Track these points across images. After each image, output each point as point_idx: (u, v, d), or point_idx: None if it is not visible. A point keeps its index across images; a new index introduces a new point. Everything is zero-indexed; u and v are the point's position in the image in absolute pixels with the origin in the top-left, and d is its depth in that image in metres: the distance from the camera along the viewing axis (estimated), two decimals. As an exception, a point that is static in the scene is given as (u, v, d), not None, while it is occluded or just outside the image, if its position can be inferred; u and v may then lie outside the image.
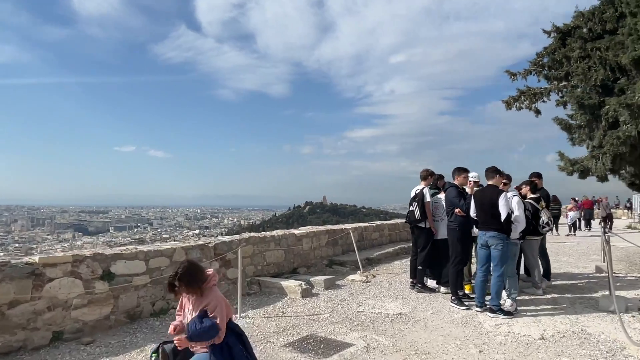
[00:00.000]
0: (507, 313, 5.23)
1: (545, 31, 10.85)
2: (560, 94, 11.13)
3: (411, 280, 6.89)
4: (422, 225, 6.56)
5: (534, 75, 11.17)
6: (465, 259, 6.12)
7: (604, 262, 8.84)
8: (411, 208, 6.59)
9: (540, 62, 10.57)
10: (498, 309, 5.24)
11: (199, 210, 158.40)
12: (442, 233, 6.53)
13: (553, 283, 7.03)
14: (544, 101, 10.98)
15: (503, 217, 5.16)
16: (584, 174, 8.48)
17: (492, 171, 5.47)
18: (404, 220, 12.46)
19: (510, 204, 5.42)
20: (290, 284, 6.36)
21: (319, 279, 6.87)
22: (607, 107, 7.54)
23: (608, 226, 20.35)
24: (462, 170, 6.22)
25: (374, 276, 7.88)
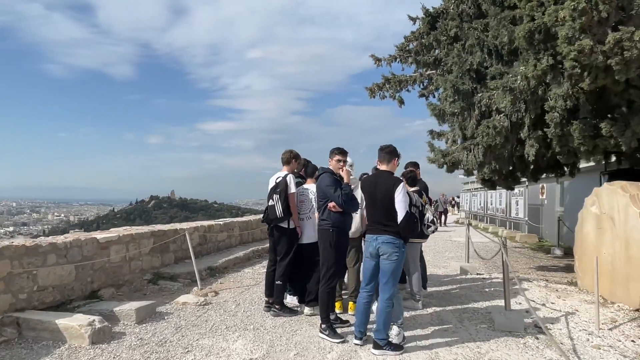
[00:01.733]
0: (396, 347, 3.81)
1: (410, 17, 10.23)
2: (422, 85, 10.73)
3: (266, 299, 5.09)
4: (284, 225, 4.79)
5: (398, 62, 10.52)
6: (341, 271, 4.55)
7: (468, 262, 8.48)
8: (271, 202, 4.74)
9: (407, 48, 9.90)
10: (385, 343, 3.77)
11: (14, 204, 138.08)
12: (308, 235, 4.87)
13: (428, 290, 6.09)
14: (408, 90, 10.41)
15: (400, 216, 3.68)
16: (454, 166, 7.92)
17: (389, 152, 3.93)
18: (259, 217, 10.63)
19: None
20: (73, 323, 3.89)
21: (128, 308, 4.53)
22: (480, 94, 6.95)
23: (443, 221, 22.17)
24: (335, 152, 4.53)
25: (217, 293, 5.85)
